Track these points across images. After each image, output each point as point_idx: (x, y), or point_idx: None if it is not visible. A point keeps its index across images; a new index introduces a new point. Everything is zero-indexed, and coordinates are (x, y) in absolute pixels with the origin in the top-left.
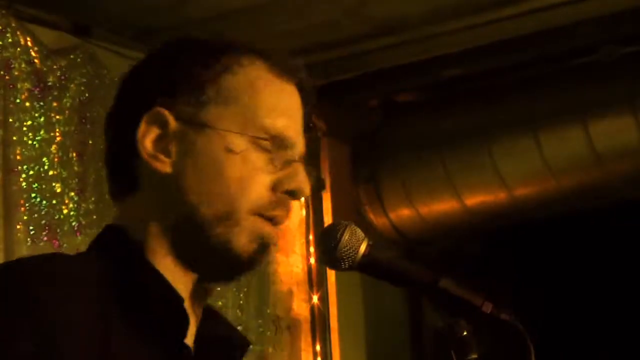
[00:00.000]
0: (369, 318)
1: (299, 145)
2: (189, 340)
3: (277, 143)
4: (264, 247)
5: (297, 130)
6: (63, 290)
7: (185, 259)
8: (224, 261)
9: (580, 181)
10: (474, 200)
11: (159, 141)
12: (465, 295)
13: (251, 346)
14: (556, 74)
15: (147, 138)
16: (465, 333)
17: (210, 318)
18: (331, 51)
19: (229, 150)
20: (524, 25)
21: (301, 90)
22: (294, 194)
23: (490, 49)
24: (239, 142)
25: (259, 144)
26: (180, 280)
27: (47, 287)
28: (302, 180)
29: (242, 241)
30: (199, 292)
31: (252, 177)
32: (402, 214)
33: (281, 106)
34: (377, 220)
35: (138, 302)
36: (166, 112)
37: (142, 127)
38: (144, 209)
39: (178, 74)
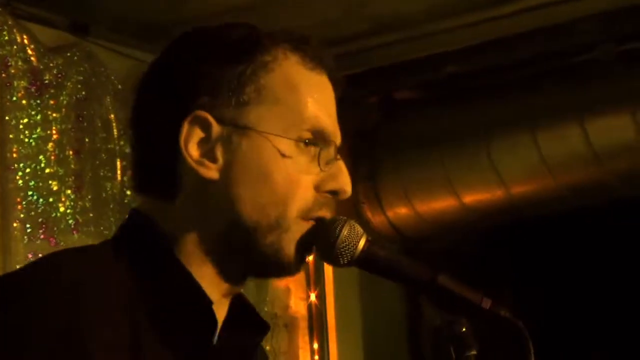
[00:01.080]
0: (367, 316)
1: (338, 138)
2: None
3: (319, 141)
4: (310, 249)
5: (334, 124)
6: (88, 300)
7: (226, 264)
8: (273, 266)
9: (578, 179)
10: (471, 198)
11: (203, 145)
12: (464, 291)
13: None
14: (554, 72)
15: (191, 143)
16: (464, 330)
17: (235, 305)
18: (330, 49)
19: (276, 154)
20: (522, 23)
21: (332, 80)
22: (336, 194)
23: (489, 47)
24: (285, 145)
25: (302, 144)
26: (214, 282)
27: (71, 297)
28: (344, 180)
29: (292, 248)
30: (232, 290)
31: (299, 181)
32: (400, 211)
33: (319, 102)
34: (375, 218)
35: (166, 302)
36: (209, 116)
37: (185, 131)
38: (184, 214)
39: (216, 73)
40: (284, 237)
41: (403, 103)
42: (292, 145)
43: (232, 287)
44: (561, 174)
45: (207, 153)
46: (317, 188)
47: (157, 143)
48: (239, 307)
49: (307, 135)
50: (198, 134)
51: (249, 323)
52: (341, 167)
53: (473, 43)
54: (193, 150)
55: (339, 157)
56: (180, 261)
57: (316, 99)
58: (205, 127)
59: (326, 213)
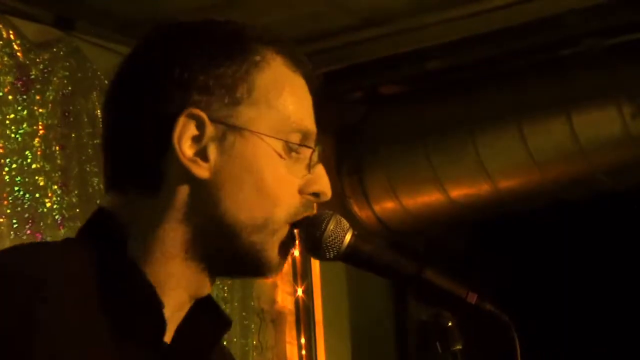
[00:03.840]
0: (354, 310)
1: (315, 139)
2: (171, 332)
3: (304, 143)
4: (289, 252)
5: (314, 125)
6: (49, 292)
7: (204, 261)
8: (253, 267)
9: (564, 173)
10: (458, 192)
11: (196, 144)
12: (450, 286)
13: (235, 339)
14: (540, 65)
15: (184, 141)
16: (450, 324)
17: (198, 302)
18: (315, 43)
19: (271, 155)
20: (508, 17)
21: (309, 83)
22: (318, 196)
23: (475, 41)
24: (278, 146)
25: (291, 147)
26: (183, 282)
27: (30, 291)
28: (326, 183)
29: (275, 251)
30: (202, 290)
31: (287, 183)
32: (387, 206)
33: (303, 105)
34: (362, 212)
35: (118, 303)
36: (202, 114)
37: (179, 128)
38: (162, 211)
39: (210, 71)
40: (269, 239)
41: (388, 97)
42: (284, 147)
43: (203, 287)
44: (547, 168)
45: (200, 151)
46: (301, 191)
47: (144, 138)
48: (202, 303)
49: (296, 137)
50: (192, 131)
51: (211, 320)
52: (322, 169)
53: (458, 37)
54: (186, 148)
55: (320, 159)
56: (136, 262)
57: (301, 102)
58: (199, 125)
59: (309, 215)
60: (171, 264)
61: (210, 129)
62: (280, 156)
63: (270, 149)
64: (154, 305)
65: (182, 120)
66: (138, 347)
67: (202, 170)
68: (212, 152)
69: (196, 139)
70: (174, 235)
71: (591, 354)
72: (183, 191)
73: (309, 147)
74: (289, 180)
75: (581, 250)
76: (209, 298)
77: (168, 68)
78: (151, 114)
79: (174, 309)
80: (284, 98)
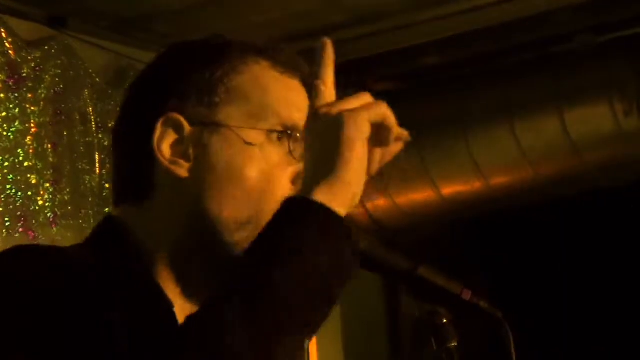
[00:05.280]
0: (346, 308)
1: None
2: None
3: (293, 134)
4: None
5: (303, 121)
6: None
7: (199, 261)
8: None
9: (556, 170)
10: (450, 189)
11: (177, 146)
12: (444, 283)
13: None
14: (532, 62)
15: (164, 144)
16: (444, 321)
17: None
18: (308, 40)
19: (247, 147)
20: (500, 13)
21: (305, 85)
22: None
23: (467, 38)
24: (255, 137)
25: (275, 137)
26: (188, 280)
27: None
28: None
29: None
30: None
31: (274, 176)
32: (379, 203)
33: (289, 99)
34: (354, 210)
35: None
36: (180, 117)
37: (158, 133)
38: (158, 217)
39: (186, 77)
40: (255, 236)
41: (381, 94)
42: (264, 137)
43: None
44: (540, 165)
45: (181, 153)
46: (294, 181)
47: (132, 148)
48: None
49: (280, 128)
50: (171, 135)
51: None
52: None
53: (450, 34)
54: (166, 151)
55: None
56: (147, 267)
57: (285, 96)
58: (178, 128)
59: None
60: (172, 265)
61: (188, 131)
62: (258, 147)
63: (249, 141)
64: (164, 305)
65: (159, 125)
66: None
67: (182, 171)
68: (192, 151)
69: (177, 142)
70: (169, 238)
71: (589, 351)
72: (170, 193)
73: (294, 138)
74: (273, 173)
75: (577, 247)
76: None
77: (149, 81)
78: (134, 124)
79: (179, 312)
80: (266, 93)
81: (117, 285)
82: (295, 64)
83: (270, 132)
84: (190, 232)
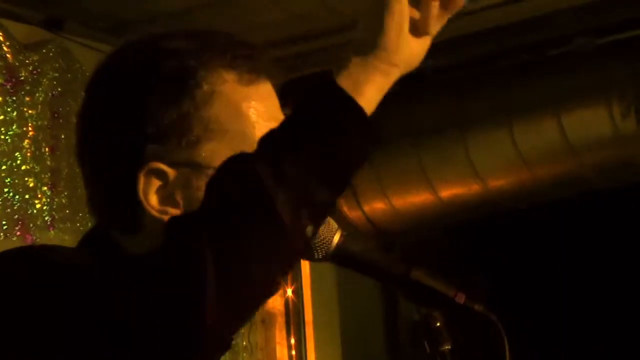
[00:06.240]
0: (344, 310)
1: None
2: None
3: None
4: None
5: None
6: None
7: None
8: None
9: (554, 172)
10: (448, 192)
11: (162, 192)
12: (438, 286)
13: None
14: (530, 65)
15: (150, 194)
16: (438, 324)
17: None
18: (306, 43)
19: None
20: (498, 16)
21: (271, 79)
22: None
23: (465, 40)
24: None
25: None
26: None
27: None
28: None
29: None
30: None
31: None
32: (376, 206)
33: (264, 116)
34: (352, 213)
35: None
36: (161, 164)
37: (141, 184)
38: (145, 245)
39: (157, 117)
40: None
41: None
42: None
43: None
44: (537, 167)
45: (168, 198)
46: None
47: (115, 190)
48: None
49: None
50: (155, 183)
51: None
52: None
53: (449, 37)
54: (153, 201)
55: None
56: None
57: (262, 115)
58: (161, 175)
59: None
60: None
61: (172, 176)
62: None
63: None
64: None
65: (142, 176)
66: None
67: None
68: (179, 197)
69: (162, 188)
70: None
71: (589, 351)
72: (159, 232)
73: None
74: None
75: (576, 249)
76: None
77: (116, 116)
78: (111, 164)
79: None
80: (242, 121)
81: (117, 285)
82: (257, 65)
83: None
84: None
